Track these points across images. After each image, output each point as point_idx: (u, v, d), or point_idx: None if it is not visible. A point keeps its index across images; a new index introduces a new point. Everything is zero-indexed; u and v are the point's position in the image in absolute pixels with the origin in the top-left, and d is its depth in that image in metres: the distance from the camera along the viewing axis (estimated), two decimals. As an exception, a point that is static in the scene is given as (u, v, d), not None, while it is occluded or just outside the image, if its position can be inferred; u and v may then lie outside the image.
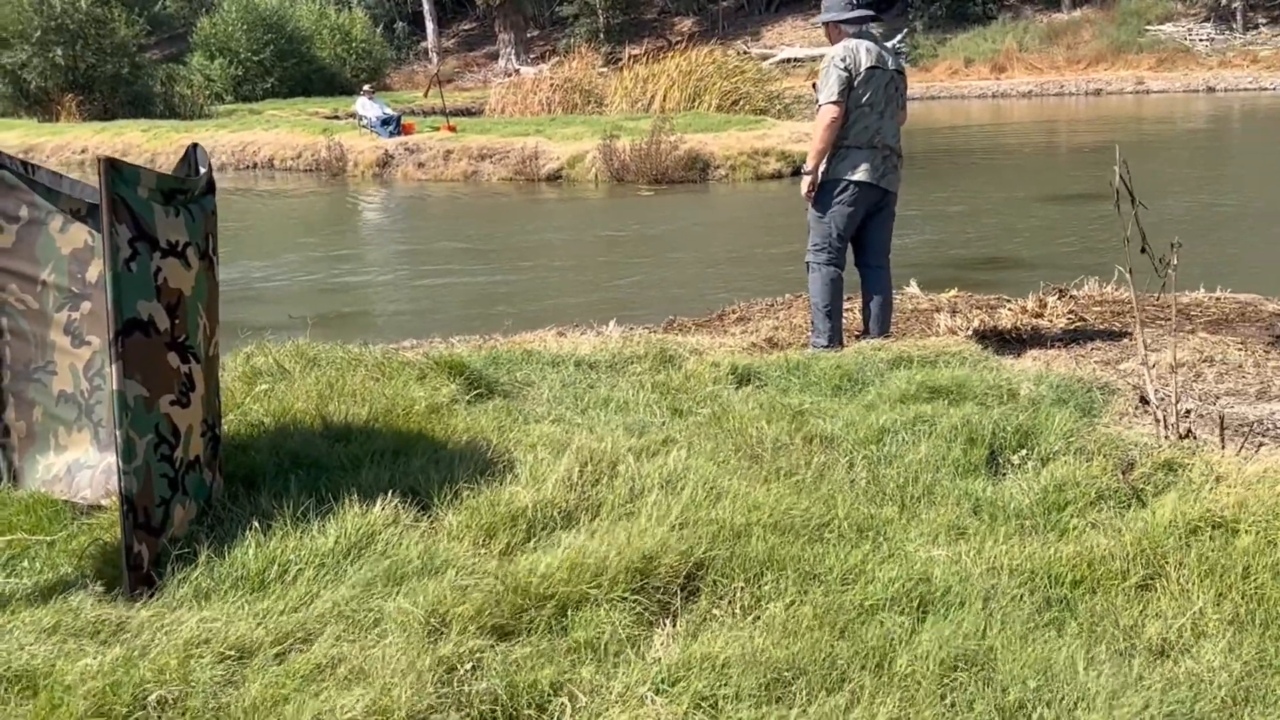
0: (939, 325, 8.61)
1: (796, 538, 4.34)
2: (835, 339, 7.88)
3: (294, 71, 49.99)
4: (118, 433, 4.38)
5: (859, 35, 7.83)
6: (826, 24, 7.99)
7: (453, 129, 27.94)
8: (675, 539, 4.22)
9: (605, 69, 40.01)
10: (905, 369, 6.61)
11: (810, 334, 8.14)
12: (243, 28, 48.96)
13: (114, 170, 4.38)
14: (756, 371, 6.81)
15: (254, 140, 30.23)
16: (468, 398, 6.28)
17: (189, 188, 4.73)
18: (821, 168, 7.82)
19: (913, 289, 10.15)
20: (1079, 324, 8.61)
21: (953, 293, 9.93)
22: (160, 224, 4.52)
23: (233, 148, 30.06)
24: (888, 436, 5.42)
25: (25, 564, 4.69)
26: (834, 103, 7.64)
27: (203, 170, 4.93)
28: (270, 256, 16.46)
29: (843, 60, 7.68)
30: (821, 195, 7.86)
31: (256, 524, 4.58)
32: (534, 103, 32.47)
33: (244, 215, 21.30)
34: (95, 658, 3.71)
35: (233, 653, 3.80)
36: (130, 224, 4.40)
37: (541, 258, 15.46)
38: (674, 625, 3.90)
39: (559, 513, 4.65)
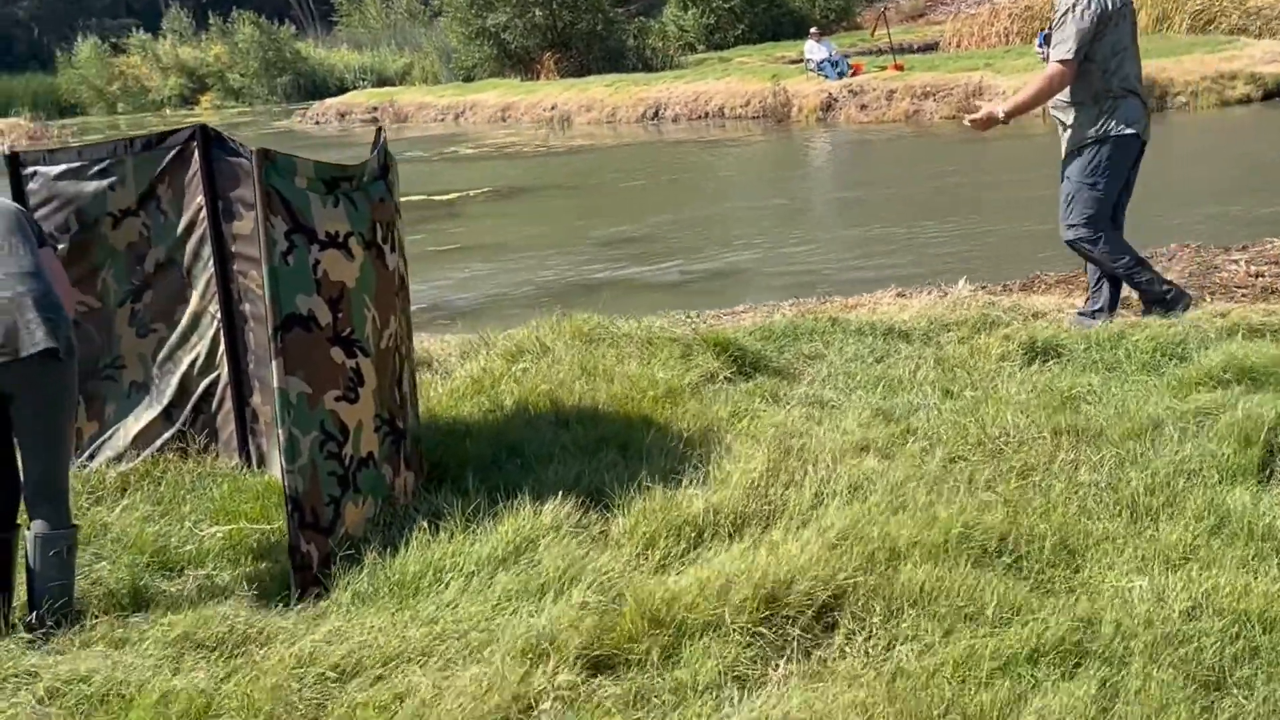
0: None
1: (963, 562, 3.72)
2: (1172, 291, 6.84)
3: (764, 17, 49.97)
4: (280, 431, 4.31)
5: None
6: None
7: (900, 67, 27.07)
8: (820, 563, 3.70)
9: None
10: (1236, 341, 5.66)
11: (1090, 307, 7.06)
12: (717, -26, 49.42)
13: (267, 161, 4.27)
14: (1059, 345, 6.02)
15: (706, 90, 30.35)
16: (726, 374, 5.90)
17: (352, 174, 4.56)
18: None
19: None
20: None
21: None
22: (318, 215, 4.39)
23: (686, 99, 30.31)
24: (1154, 431, 4.62)
25: (241, 556, 4.71)
26: (1064, 61, 6.62)
27: (373, 155, 4.75)
28: (685, 207, 16.40)
29: (1089, 6, 6.58)
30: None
31: (427, 524, 4.40)
32: (991, 35, 31.02)
33: (678, 166, 21.45)
34: (195, 675, 3.62)
35: (333, 674, 3.63)
36: (286, 216, 4.29)
37: (955, 205, 14.62)
38: (787, 666, 3.40)
39: (731, 521, 4.23)
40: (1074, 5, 6.64)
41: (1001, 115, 6.98)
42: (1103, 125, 6.72)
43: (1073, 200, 6.80)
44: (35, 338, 3.94)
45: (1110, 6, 6.60)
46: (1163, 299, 6.77)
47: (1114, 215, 6.94)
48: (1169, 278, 7.78)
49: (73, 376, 4.16)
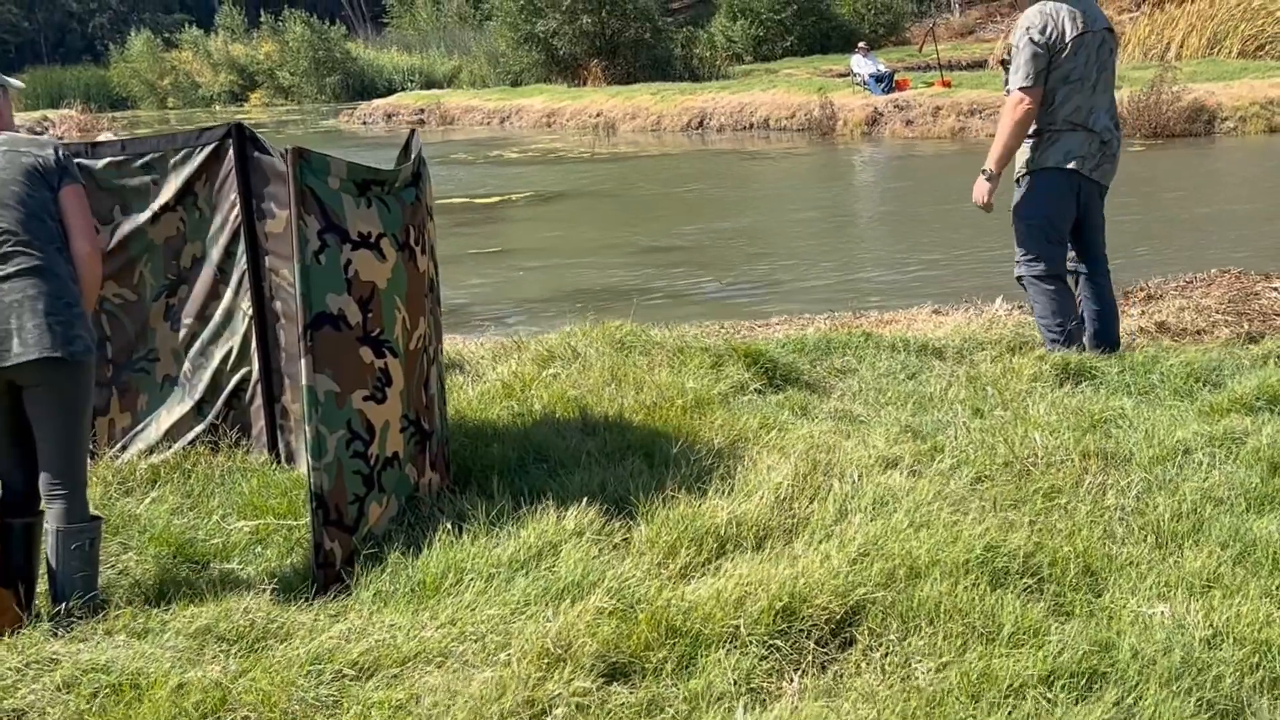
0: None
1: (983, 581, 3.70)
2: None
3: (813, 29, 49.86)
4: (307, 428, 4.33)
5: None
6: None
7: (947, 84, 27.01)
8: (839, 577, 3.69)
9: (1134, 12, 37.48)
10: (1269, 368, 5.61)
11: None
12: (766, -13, 49.33)
13: (303, 161, 4.29)
14: (1092, 367, 5.98)
15: (751, 101, 30.36)
16: (756, 386, 5.89)
17: (385, 179, 4.57)
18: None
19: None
20: None
21: None
22: (350, 215, 4.41)
23: (732, 109, 30.33)
24: (1182, 456, 4.58)
25: (266, 551, 4.74)
26: (1023, 89, 6.26)
27: (409, 161, 4.77)
28: (726, 218, 16.37)
29: (1042, 31, 6.26)
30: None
31: (450, 526, 4.41)
32: (1039, 53, 30.81)
33: (720, 176, 21.41)
34: (211, 668, 3.63)
35: (351, 671, 3.63)
36: (319, 215, 4.31)
37: (997, 223, 14.48)
38: (802, 680, 3.39)
39: (754, 533, 4.21)
40: (1027, 29, 6.33)
41: (988, 176, 6.59)
42: (1038, 157, 6.46)
43: (1015, 233, 6.63)
44: (40, 344, 3.91)
45: (1066, 34, 6.26)
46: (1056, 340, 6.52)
47: (1082, 258, 6.63)
48: (1208, 303, 7.73)
49: (87, 373, 4.11)
